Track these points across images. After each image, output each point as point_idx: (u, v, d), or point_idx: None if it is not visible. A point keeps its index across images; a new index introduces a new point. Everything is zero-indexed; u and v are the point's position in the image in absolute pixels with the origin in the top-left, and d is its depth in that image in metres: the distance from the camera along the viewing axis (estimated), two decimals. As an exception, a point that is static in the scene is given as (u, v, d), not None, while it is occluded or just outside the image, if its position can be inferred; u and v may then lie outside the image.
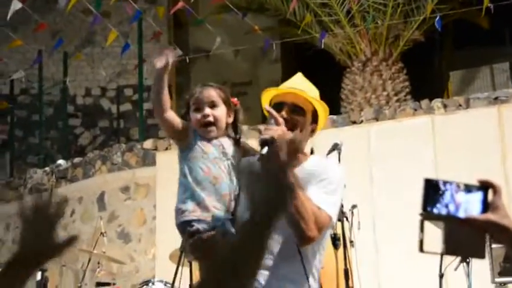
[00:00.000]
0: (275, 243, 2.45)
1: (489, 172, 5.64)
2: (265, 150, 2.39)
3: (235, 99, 2.71)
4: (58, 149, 10.24)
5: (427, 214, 1.40)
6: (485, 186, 1.44)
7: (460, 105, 6.61)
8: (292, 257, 2.42)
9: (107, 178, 7.99)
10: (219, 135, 2.62)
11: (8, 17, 6.80)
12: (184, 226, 2.50)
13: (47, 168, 8.65)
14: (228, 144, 2.63)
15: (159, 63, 2.51)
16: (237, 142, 2.67)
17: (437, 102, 6.70)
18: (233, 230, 2.49)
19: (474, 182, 1.45)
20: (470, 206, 1.42)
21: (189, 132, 2.61)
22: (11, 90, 10.51)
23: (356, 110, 7.86)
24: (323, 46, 8.19)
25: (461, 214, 1.40)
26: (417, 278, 5.64)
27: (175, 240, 4.85)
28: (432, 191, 1.40)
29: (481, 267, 4.82)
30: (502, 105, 6.40)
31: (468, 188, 1.43)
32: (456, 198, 1.41)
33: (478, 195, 1.43)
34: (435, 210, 1.40)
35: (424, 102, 6.79)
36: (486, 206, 1.43)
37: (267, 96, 2.69)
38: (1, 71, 10.49)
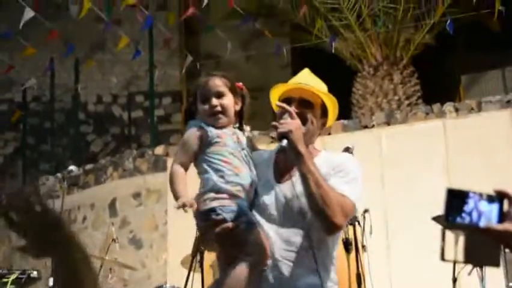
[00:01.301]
0: (296, 235, 2.49)
1: (501, 176, 5.60)
2: (284, 142, 2.48)
3: (240, 84, 2.75)
4: (70, 156, 10.26)
5: (450, 223, 1.41)
6: (501, 196, 1.44)
7: (472, 109, 6.57)
8: (315, 249, 2.46)
9: (119, 184, 8.00)
10: (229, 123, 2.65)
11: (21, 26, 6.83)
12: (207, 214, 2.51)
13: (58, 174, 8.68)
14: (241, 134, 2.67)
15: (177, 204, 2.48)
16: (240, 128, 2.70)
17: (448, 106, 6.66)
18: (255, 220, 2.54)
19: (487, 189, 1.45)
20: (490, 215, 1.43)
21: (200, 145, 2.63)
22: (23, 97, 10.54)
23: (367, 115, 7.84)
24: (333, 51, 8.18)
25: (483, 223, 1.41)
26: (430, 282, 5.59)
27: (187, 245, 4.85)
28: (454, 200, 1.41)
29: (495, 271, 4.78)
30: (514, 108, 6.35)
31: (490, 198, 1.43)
32: (479, 207, 1.42)
33: (495, 205, 1.44)
34: (458, 220, 1.40)
35: (436, 106, 6.76)
36: (502, 216, 1.43)
37: (276, 94, 2.76)
38: (14, 79, 10.53)
